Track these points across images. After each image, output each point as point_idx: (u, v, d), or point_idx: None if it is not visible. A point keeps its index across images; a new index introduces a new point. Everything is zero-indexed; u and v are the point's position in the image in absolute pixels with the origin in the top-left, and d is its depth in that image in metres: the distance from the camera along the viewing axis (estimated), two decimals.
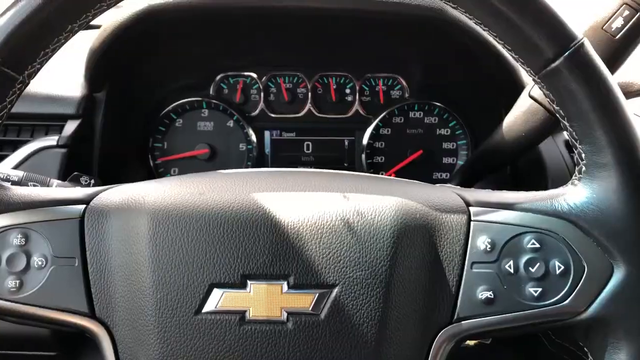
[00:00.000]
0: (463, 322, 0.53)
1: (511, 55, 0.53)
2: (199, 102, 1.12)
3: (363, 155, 1.13)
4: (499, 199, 0.56)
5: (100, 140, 0.97)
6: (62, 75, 0.98)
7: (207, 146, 1.12)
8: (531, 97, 0.76)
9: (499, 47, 0.88)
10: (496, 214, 0.55)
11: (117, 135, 1.02)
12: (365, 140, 1.13)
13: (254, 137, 1.13)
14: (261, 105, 1.13)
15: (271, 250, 0.52)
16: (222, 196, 0.55)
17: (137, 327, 0.52)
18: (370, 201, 0.55)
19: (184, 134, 1.13)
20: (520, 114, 0.78)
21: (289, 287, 0.52)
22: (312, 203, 0.55)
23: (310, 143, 1.15)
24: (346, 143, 1.15)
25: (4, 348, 0.88)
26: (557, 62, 0.50)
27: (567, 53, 0.49)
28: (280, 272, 0.52)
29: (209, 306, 0.51)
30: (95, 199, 0.57)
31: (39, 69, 0.55)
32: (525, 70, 0.53)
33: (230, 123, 1.14)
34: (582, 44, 0.50)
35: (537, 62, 0.51)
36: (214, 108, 1.13)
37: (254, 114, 1.14)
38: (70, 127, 0.92)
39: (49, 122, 0.93)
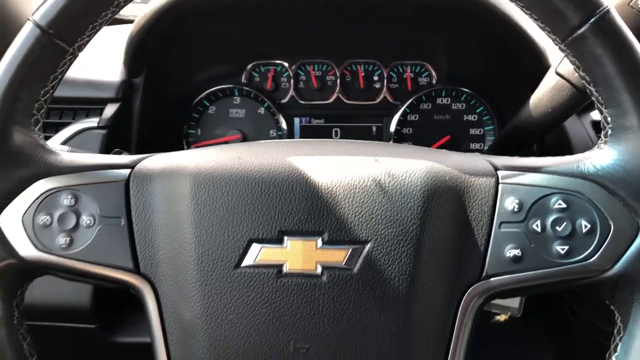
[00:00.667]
0: (491, 279, 0.54)
1: (537, 25, 0.55)
2: (231, 89, 1.16)
3: (391, 141, 1.15)
4: (526, 163, 0.58)
5: (138, 123, 1.01)
6: (103, 61, 1.02)
7: (239, 132, 1.16)
8: (558, 73, 0.77)
9: (527, 28, 0.90)
10: (524, 176, 0.56)
11: (153, 120, 1.06)
12: (393, 127, 1.15)
13: (284, 124, 1.16)
14: (291, 92, 1.17)
15: (306, 208, 0.54)
16: (260, 160, 0.58)
17: (180, 282, 0.55)
18: (401, 164, 0.57)
19: (216, 120, 1.17)
20: (546, 90, 0.80)
21: (324, 242, 0.54)
22: (345, 165, 0.57)
23: (338, 129, 1.18)
24: (374, 129, 1.17)
25: (44, 320, 0.91)
26: (583, 29, 0.51)
27: (593, 19, 0.51)
28: (315, 229, 0.54)
29: (247, 260, 0.54)
30: (139, 164, 0.60)
31: (87, 42, 0.58)
32: (552, 39, 0.55)
33: (261, 110, 1.17)
34: (608, 10, 0.51)
35: (563, 30, 0.53)
36: (245, 95, 1.16)
37: (284, 101, 1.17)
38: (110, 110, 0.96)
39: (90, 106, 0.97)
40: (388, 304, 0.53)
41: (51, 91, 0.58)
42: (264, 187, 0.55)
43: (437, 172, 0.56)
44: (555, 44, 0.55)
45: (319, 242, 0.54)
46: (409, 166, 0.57)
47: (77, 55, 0.58)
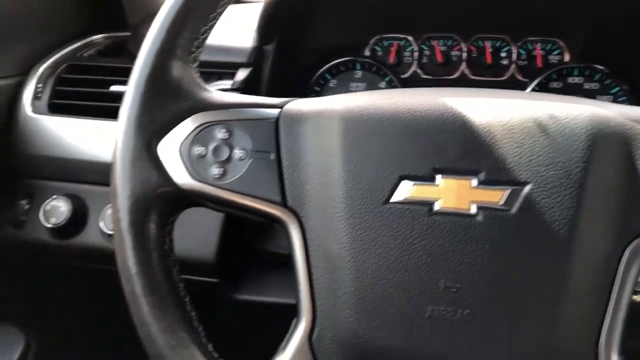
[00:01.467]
0: None
1: None
2: (352, 62, 1.16)
3: None
4: None
5: (266, 89, 1.04)
6: (236, 28, 1.06)
7: None
8: None
9: None
10: None
11: (280, 88, 1.08)
12: None
13: None
14: (414, 66, 1.15)
15: (462, 147, 0.53)
16: (411, 100, 0.57)
17: (327, 215, 0.55)
18: (563, 107, 0.54)
19: (337, 94, 1.17)
20: None
21: (479, 182, 0.52)
22: (502, 105, 0.55)
23: None
24: None
25: None
26: None
27: None
28: (470, 168, 0.53)
29: (397, 196, 0.53)
30: (287, 105, 0.61)
31: None
32: None
33: (382, 84, 1.16)
34: None
35: None
36: (367, 69, 1.16)
37: (406, 75, 1.16)
38: (242, 74, 1.00)
39: (222, 70, 1.01)
40: (547, 249, 0.50)
41: (209, 31, 0.61)
42: (416, 124, 0.55)
43: (601, 117, 0.53)
44: None
45: (474, 181, 0.53)
46: (572, 109, 0.54)
47: (225, 9, 0.61)
